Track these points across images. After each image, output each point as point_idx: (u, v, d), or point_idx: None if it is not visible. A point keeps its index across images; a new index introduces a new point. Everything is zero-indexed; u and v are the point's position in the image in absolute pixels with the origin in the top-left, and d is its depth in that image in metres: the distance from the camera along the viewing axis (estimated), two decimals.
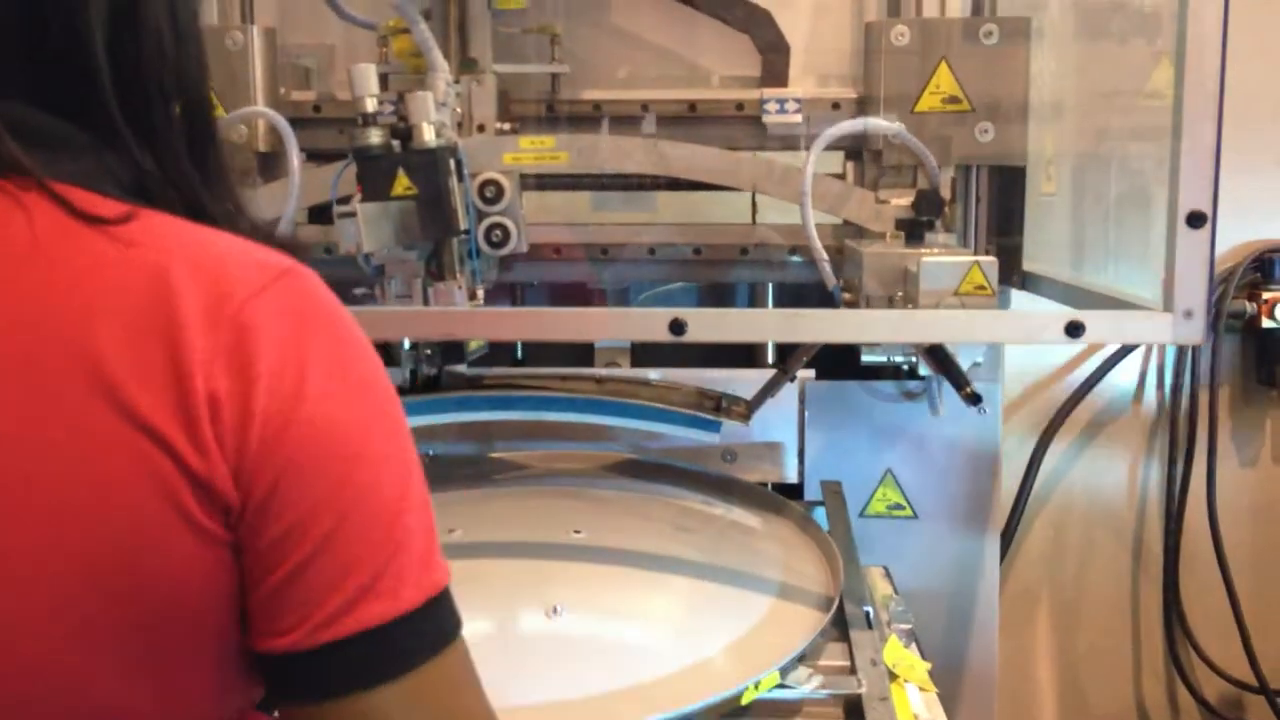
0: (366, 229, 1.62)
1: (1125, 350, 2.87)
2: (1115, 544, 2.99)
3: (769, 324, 1.53)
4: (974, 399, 1.47)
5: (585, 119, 2.17)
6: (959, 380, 1.48)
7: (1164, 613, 3.00)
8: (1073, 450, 2.96)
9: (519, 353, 2.37)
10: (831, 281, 1.79)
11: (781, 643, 1.49)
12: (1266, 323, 2.81)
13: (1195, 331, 1.41)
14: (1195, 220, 1.38)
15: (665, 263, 2.21)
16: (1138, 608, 3.02)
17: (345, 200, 1.92)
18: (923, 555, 2.21)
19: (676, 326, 1.45)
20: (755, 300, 2.34)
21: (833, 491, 2.07)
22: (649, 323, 1.47)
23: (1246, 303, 2.84)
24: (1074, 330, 1.41)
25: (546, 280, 2.31)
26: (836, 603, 1.57)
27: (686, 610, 1.57)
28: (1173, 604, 2.98)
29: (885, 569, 2.03)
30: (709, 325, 1.46)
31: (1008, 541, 2.86)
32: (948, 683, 2.21)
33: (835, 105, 2.12)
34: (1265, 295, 2.81)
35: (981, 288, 1.50)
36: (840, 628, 1.59)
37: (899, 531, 2.21)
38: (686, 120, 2.15)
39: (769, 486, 2.24)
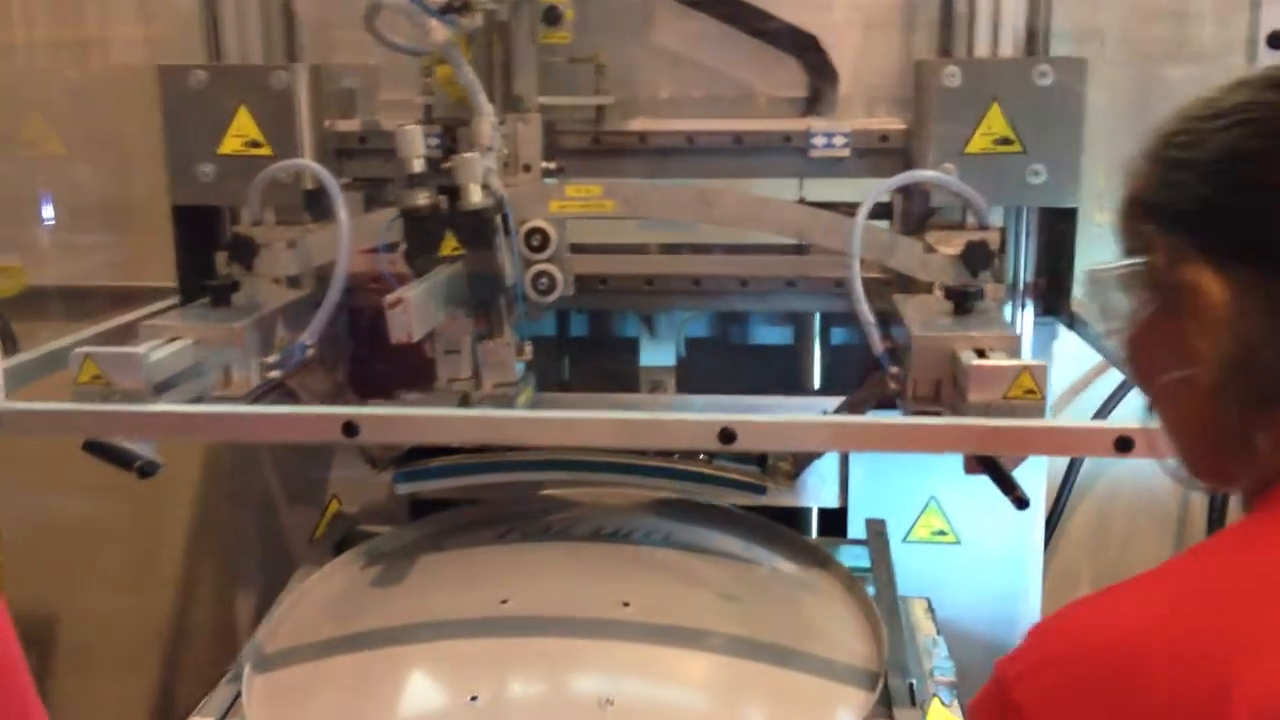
0: (417, 317, 1.63)
1: None
2: (1158, 531, 3.01)
3: (820, 433, 1.53)
4: (1022, 504, 1.48)
5: (631, 151, 2.16)
6: (1006, 485, 1.48)
7: None
8: None
9: (566, 374, 2.39)
10: (879, 348, 1.79)
11: None
12: None
13: None
14: None
15: (711, 294, 2.21)
16: None
17: (392, 248, 1.95)
18: (966, 581, 2.24)
19: (726, 435, 1.46)
20: (800, 328, 2.34)
21: (876, 531, 2.09)
22: (696, 431, 1.48)
23: None
24: (1123, 445, 1.41)
25: (591, 309, 2.32)
26: (881, 683, 1.61)
27: (733, 698, 1.62)
28: None
29: (928, 602, 2.06)
30: (759, 435, 1.47)
31: (1052, 526, 2.88)
32: None
33: (883, 138, 2.09)
34: None
35: (1031, 392, 1.49)
36: (885, 702, 1.63)
37: (942, 557, 2.23)
38: (731, 151, 2.13)
39: (813, 512, 2.28)
